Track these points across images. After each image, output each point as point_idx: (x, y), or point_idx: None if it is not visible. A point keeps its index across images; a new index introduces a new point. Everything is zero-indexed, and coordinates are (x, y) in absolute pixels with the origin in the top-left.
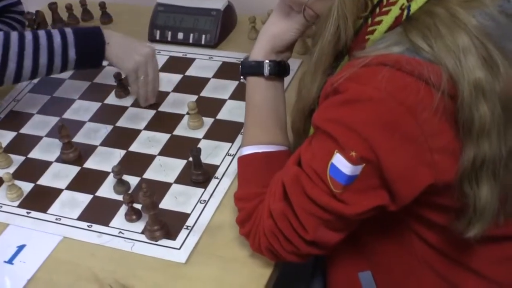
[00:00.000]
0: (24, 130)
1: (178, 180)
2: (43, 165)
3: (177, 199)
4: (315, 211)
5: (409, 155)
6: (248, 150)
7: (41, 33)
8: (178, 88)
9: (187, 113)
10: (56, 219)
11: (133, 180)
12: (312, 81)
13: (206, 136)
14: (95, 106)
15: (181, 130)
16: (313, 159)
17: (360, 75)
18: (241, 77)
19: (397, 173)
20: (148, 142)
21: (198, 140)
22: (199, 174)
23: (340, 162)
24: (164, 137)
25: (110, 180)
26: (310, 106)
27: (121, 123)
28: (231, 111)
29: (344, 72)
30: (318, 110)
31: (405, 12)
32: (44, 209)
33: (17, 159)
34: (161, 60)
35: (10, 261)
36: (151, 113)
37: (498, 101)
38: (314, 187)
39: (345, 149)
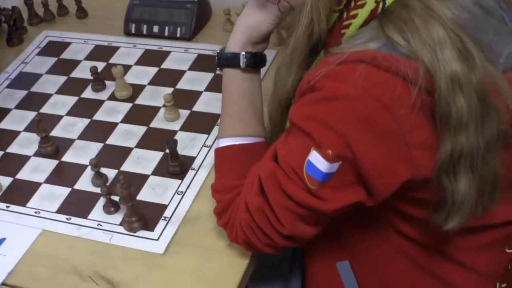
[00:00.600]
0: (2, 125)
1: (155, 172)
2: (22, 159)
3: (154, 190)
4: (292, 206)
5: (386, 151)
6: (225, 142)
7: None
8: (154, 81)
9: (163, 106)
10: (35, 212)
11: (110, 173)
12: (287, 74)
13: (183, 128)
14: (72, 100)
15: (158, 122)
16: (289, 155)
17: (337, 73)
18: (218, 68)
19: (374, 170)
20: (125, 135)
21: (175, 132)
22: (176, 166)
23: (317, 159)
24: (140, 129)
25: (88, 173)
26: (286, 99)
27: (98, 116)
28: (207, 103)
29: (320, 69)
30: (294, 107)
31: (381, 5)
32: (23, 203)
33: None
34: (137, 53)
35: None
36: (127, 106)
37: (474, 93)
38: (291, 183)
39: (322, 147)
